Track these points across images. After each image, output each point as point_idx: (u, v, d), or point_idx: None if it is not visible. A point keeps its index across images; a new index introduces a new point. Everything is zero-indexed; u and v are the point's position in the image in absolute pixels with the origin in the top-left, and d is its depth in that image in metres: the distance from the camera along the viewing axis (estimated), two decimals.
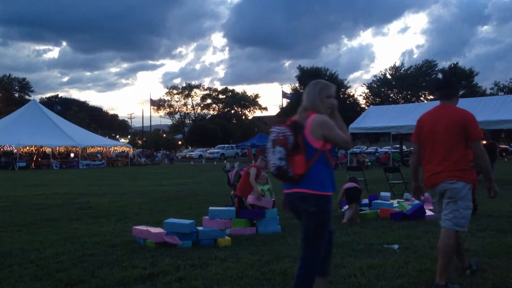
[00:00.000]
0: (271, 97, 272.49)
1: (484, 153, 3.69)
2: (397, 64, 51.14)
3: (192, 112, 77.48)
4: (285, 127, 3.12)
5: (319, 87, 3.24)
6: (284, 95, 47.56)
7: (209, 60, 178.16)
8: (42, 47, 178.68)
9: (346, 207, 7.71)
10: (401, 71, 48.45)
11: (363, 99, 50.16)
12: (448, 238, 3.65)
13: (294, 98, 47.90)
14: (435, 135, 3.79)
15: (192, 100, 76.30)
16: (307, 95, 3.24)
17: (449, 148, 3.71)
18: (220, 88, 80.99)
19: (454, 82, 4.15)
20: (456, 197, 3.66)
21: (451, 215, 3.66)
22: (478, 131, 3.68)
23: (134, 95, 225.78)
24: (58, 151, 36.51)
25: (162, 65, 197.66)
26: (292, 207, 3.24)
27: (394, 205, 8.29)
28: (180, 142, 74.97)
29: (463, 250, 4.20)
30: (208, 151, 54.00)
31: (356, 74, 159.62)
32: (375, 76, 53.77)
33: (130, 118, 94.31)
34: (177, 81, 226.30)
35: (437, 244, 3.79)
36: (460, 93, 45.95)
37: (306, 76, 48.98)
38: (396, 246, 5.46)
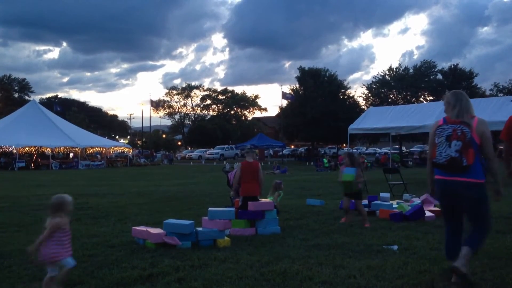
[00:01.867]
0: (271, 98, 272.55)
1: None
2: (394, 65, 51.06)
3: (191, 112, 77.43)
4: (462, 124, 3.74)
5: None
6: (284, 96, 47.48)
7: (209, 60, 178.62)
8: (42, 47, 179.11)
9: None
10: (400, 71, 48.44)
11: (363, 100, 50.18)
12: None
13: (294, 99, 47.85)
14: None
15: (191, 100, 76.34)
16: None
17: None
18: (220, 88, 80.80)
19: None
20: None
21: None
22: None
23: (134, 96, 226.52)
24: (58, 151, 36.49)
25: (162, 65, 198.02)
26: (450, 192, 3.86)
27: (394, 206, 8.29)
28: (179, 143, 74.95)
29: None
30: (207, 152, 53.94)
31: (356, 75, 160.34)
32: (374, 77, 53.72)
33: (130, 118, 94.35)
34: (177, 81, 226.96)
35: None
36: None
37: (307, 77, 48.93)
38: (395, 247, 5.46)
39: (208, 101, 76.71)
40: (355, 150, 49.92)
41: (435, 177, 3.99)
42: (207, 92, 76.75)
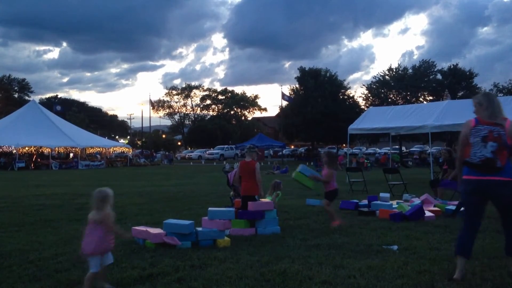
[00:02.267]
0: (271, 98, 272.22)
1: None
2: (394, 65, 50.98)
3: (191, 112, 77.49)
4: (498, 126, 3.89)
5: None
6: (283, 96, 47.44)
7: (209, 61, 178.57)
8: (42, 47, 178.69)
9: None
10: (399, 71, 48.43)
11: (363, 100, 50.18)
12: None
13: (293, 99, 47.80)
14: None
15: (191, 100, 76.39)
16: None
17: None
18: (219, 89, 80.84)
19: None
20: None
21: None
22: None
23: (134, 96, 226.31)
24: (58, 151, 36.49)
25: (162, 65, 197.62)
26: (484, 191, 3.98)
27: (394, 206, 8.29)
28: (179, 143, 74.97)
29: None
30: (207, 152, 53.95)
31: (356, 75, 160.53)
32: (374, 77, 53.65)
33: (130, 118, 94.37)
34: (177, 81, 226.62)
35: None
36: (460, 94, 46.00)
37: (307, 77, 48.90)
38: (395, 247, 5.46)
39: (208, 101, 76.79)
40: (358, 150, 49.96)
41: (464, 177, 4.08)
42: (207, 92, 76.85)
